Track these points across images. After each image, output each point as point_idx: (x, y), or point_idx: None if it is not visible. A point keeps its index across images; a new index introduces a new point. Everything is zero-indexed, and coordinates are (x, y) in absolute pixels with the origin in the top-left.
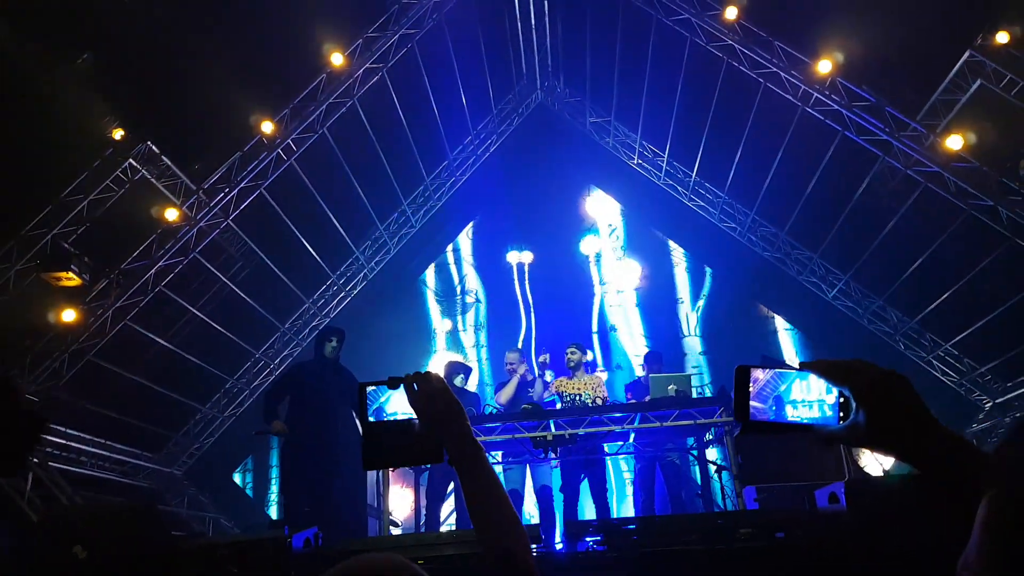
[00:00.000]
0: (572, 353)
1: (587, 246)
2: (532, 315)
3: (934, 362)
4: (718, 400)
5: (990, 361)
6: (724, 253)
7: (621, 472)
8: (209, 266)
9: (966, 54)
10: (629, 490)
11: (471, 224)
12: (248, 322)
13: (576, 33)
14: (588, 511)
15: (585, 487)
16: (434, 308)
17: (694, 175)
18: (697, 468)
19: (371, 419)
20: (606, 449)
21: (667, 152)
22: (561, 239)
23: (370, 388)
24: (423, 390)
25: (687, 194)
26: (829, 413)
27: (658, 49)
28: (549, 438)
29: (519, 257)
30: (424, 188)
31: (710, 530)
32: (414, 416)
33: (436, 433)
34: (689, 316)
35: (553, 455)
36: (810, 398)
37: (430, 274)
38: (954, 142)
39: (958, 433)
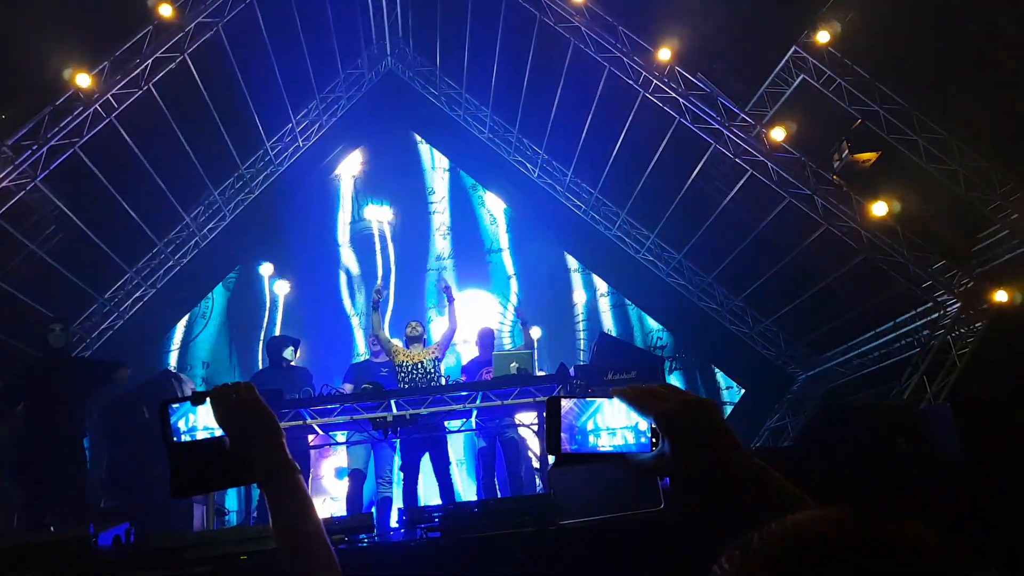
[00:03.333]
0: (413, 329)
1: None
2: (392, 279)
3: (756, 337)
4: (558, 377)
5: (804, 337)
6: (566, 228)
7: (462, 448)
8: (14, 231)
9: (791, 50)
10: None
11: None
12: (62, 293)
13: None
14: (429, 488)
15: (426, 465)
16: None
17: (543, 152)
18: (538, 444)
19: (176, 440)
20: (448, 427)
21: (517, 127)
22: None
23: (173, 406)
24: (231, 404)
25: (535, 170)
26: (642, 440)
27: (509, 24)
28: (389, 419)
29: (379, 213)
30: (264, 153)
31: (541, 512)
32: (223, 433)
33: (247, 451)
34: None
35: (394, 435)
36: (621, 425)
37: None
38: (778, 133)
39: (760, 464)
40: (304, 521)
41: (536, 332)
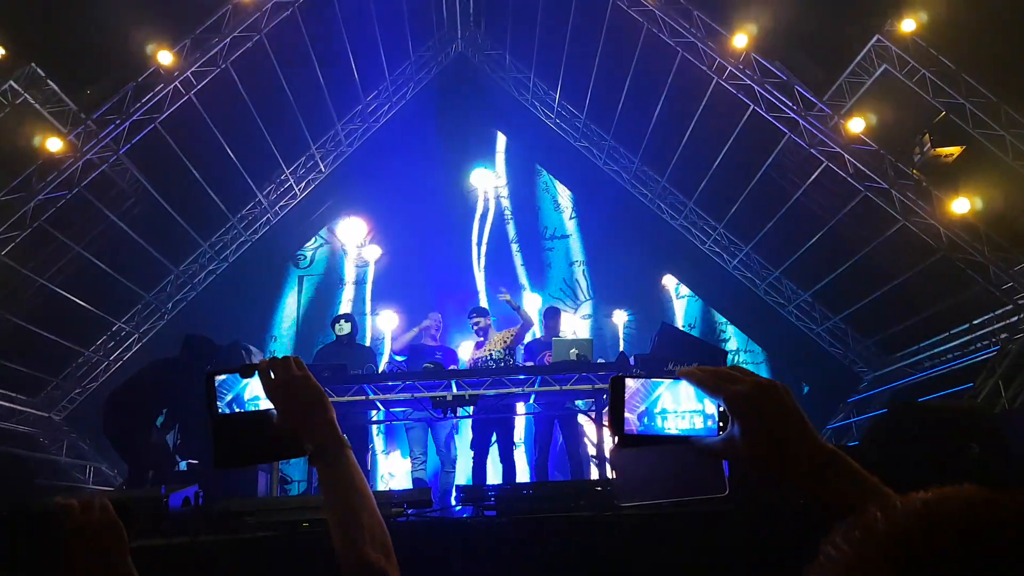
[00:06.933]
0: (476, 323)
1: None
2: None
3: (823, 334)
4: (617, 366)
5: (873, 336)
6: (633, 217)
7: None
8: (96, 202)
9: (874, 39)
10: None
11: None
12: (139, 263)
13: None
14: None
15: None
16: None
17: (610, 139)
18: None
19: (222, 412)
20: (517, 408)
21: (584, 113)
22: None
23: (219, 377)
24: (280, 378)
25: (601, 157)
26: (710, 424)
27: (580, 8)
28: (449, 399)
29: (485, 179)
30: (335, 133)
31: (597, 497)
32: (271, 407)
33: (296, 426)
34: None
35: (453, 415)
36: (687, 408)
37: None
38: (856, 124)
39: (834, 446)
40: (354, 496)
41: (622, 316)
